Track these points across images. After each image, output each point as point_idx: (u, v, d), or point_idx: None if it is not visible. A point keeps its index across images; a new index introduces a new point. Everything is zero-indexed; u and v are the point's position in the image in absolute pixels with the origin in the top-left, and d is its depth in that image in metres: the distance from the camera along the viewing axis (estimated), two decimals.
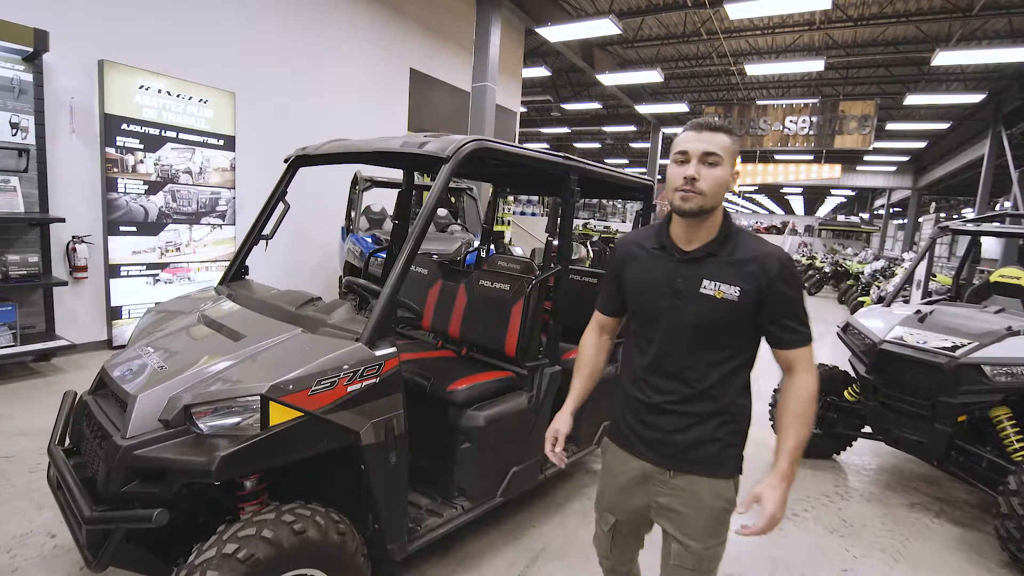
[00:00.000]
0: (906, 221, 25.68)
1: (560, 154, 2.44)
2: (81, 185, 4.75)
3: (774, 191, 35.89)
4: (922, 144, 17.25)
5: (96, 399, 1.86)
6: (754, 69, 9.75)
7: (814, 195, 37.54)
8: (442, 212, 6.90)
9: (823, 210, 44.24)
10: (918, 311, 3.43)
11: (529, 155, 2.25)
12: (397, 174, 8.08)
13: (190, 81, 5.31)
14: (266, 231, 2.63)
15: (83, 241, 4.75)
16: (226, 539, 1.48)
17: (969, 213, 25.97)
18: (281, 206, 2.63)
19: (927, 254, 3.82)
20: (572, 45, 10.32)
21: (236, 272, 2.58)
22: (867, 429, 3.71)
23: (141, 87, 4.93)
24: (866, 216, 38.08)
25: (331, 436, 1.68)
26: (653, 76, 10.59)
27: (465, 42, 8.94)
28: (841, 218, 39.38)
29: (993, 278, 4.18)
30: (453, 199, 6.97)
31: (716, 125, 1.38)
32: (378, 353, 1.76)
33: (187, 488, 1.78)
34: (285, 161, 2.67)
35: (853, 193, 34.76)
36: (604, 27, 8.08)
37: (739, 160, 1.46)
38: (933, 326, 3.21)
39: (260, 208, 2.61)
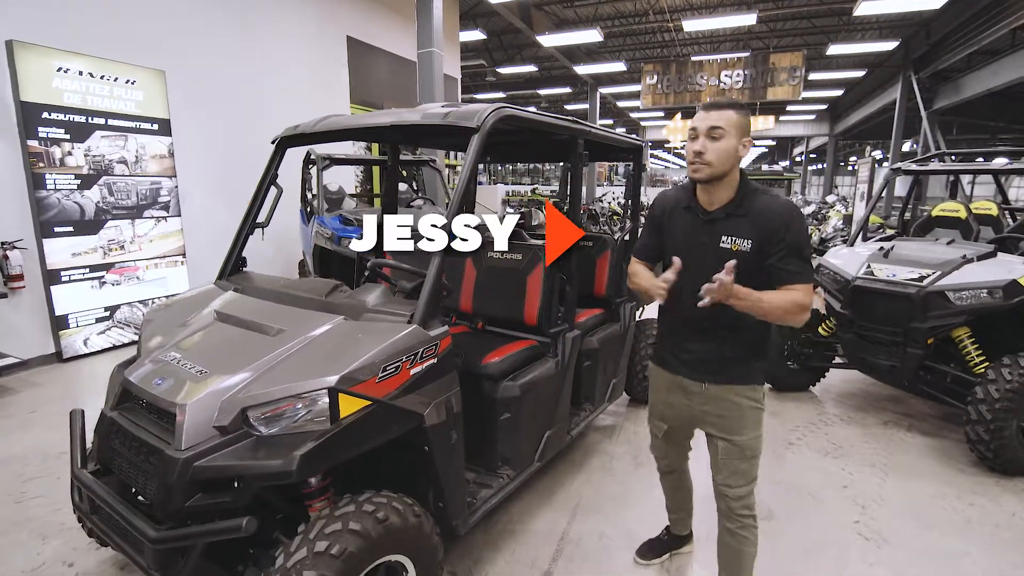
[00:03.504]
0: (824, 166, 27.41)
1: (569, 118, 2.42)
2: (3, 184, 4.24)
3: None
4: (839, 92, 18.33)
5: (123, 414, 1.72)
6: (691, 25, 9.94)
7: None
8: (403, 187, 6.69)
9: (745, 161, 46.33)
10: (881, 247, 3.71)
11: (546, 121, 2.22)
12: (355, 150, 7.68)
13: (114, 60, 4.78)
14: (260, 218, 2.47)
15: (14, 247, 4.27)
16: (314, 537, 1.44)
17: (877, 154, 28.00)
18: (273, 190, 2.48)
19: (882, 194, 4.12)
20: (510, 5, 10.08)
21: (234, 265, 2.42)
22: (838, 360, 4.04)
23: (59, 69, 4.39)
24: (787, 164, 40.30)
25: (399, 422, 1.65)
26: (593, 36, 10.56)
27: (403, 7, 8.52)
28: (765, 167, 41.53)
29: (934, 212, 4.57)
30: (412, 172, 6.75)
31: (722, 104, 1.60)
32: (432, 333, 1.72)
33: None
34: (272, 142, 2.49)
35: (774, 143, 36.59)
36: None
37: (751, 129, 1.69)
38: (897, 260, 3.50)
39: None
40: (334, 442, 1.49)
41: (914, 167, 3.97)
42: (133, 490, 1.75)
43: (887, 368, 3.43)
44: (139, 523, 1.48)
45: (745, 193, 1.64)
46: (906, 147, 17.38)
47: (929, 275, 3.25)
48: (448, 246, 1.78)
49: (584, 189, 21.26)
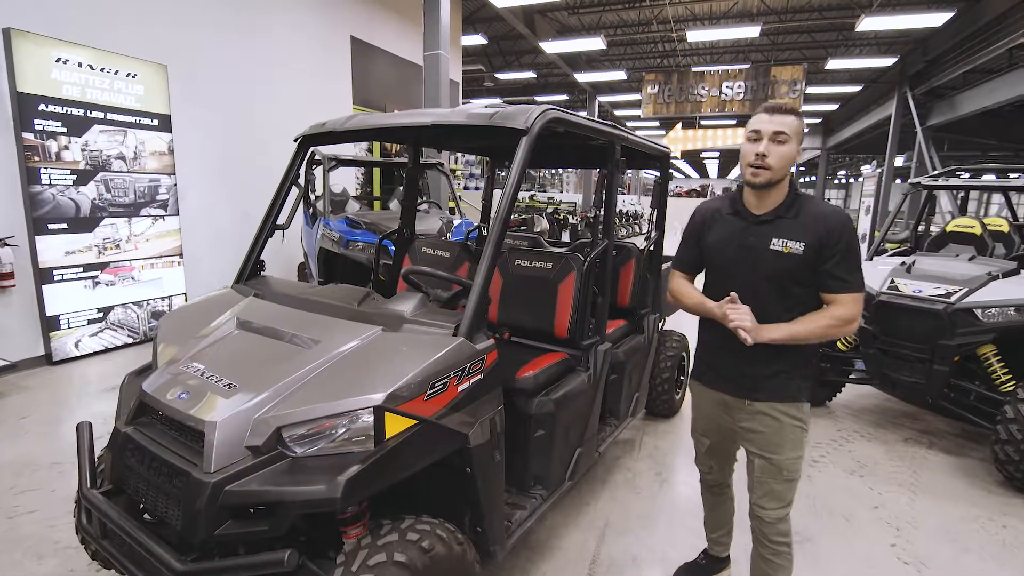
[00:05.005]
0: (812, 179, 27.69)
1: (609, 123, 2.33)
2: None
3: (693, 156, 37.38)
4: (834, 106, 18.51)
5: (141, 430, 1.58)
6: (695, 36, 9.95)
7: (728, 158, 39.43)
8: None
9: (735, 172, 46.79)
10: (903, 262, 3.67)
11: (589, 125, 2.12)
12: (356, 151, 7.51)
13: (115, 52, 4.62)
14: (281, 220, 2.34)
15: (5, 244, 4.08)
16: (357, 570, 1.31)
17: (867, 169, 28.38)
18: (295, 191, 2.35)
19: (900, 209, 4.09)
20: (515, 11, 10.03)
21: (253, 269, 2.28)
22: (854, 375, 3.98)
23: (58, 60, 4.23)
24: (738, 179, 40.71)
25: (444, 442, 1.53)
26: (596, 43, 10.53)
27: (408, 9, 8.44)
28: None
29: (949, 228, 4.56)
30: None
31: (786, 108, 1.58)
32: (479, 347, 1.61)
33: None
34: (295, 140, 2.37)
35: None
36: None
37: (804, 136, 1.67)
38: (921, 275, 3.45)
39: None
40: (379, 465, 1.37)
41: (932, 182, 3.94)
42: (141, 506, 1.62)
43: (911, 385, 3.37)
44: (162, 553, 1.34)
45: (796, 196, 1.63)
46: (898, 162, 17.60)
47: (956, 291, 3.20)
48: (496, 250, 1.67)
49: (581, 197, 21.28)
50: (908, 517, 2.71)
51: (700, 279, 1.90)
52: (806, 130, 1.63)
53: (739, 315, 1.57)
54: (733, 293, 1.61)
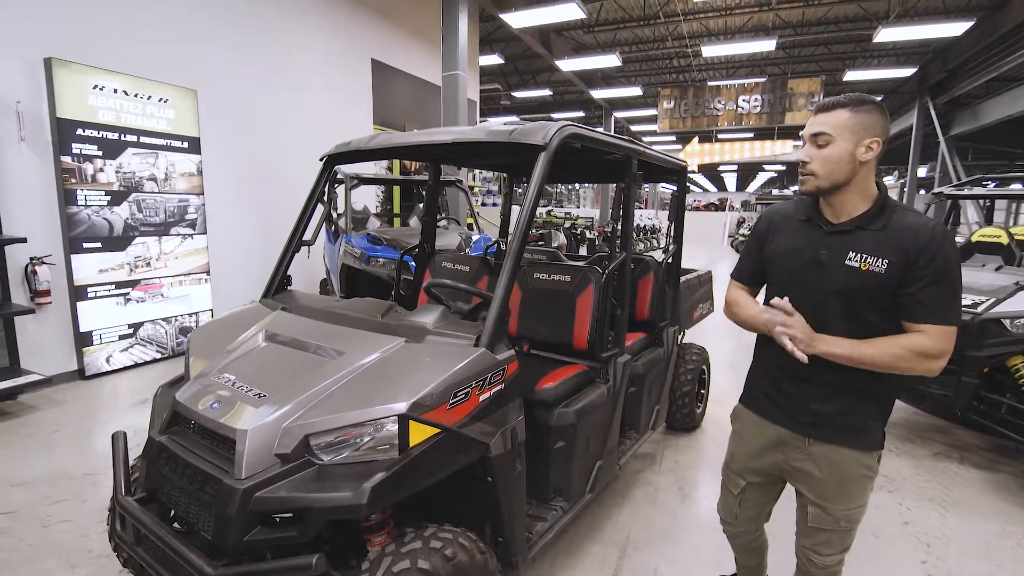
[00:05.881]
0: None
1: (626, 138, 2.37)
2: (36, 199, 4.24)
3: (711, 169, 37.24)
4: None
5: (174, 438, 1.64)
6: (710, 51, 10.02)
7: (746, 171, 39.16)
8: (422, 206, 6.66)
9: (753, 185, 46.36)
10: None
11: (606, 140, 2.17)
12: (376, 170, 7.68)
13: (148, 79, 4.83)
14: (307, 236, 2.42)
15: (43, 262, 4.25)
16: None
17: (890, 180, 27.96)
18: (320, 208, 2.43)
19: None
20: (531, 31, 10.21)
21: (280, 283, 2.36)
22: None
23: (95, 87, 4.43)
24: (796, 188, 40.21)
25: (466, 451, 1.56)
26: (612, 61, 10.66)
27: (427, 31, 8.66)
28: (775, 192, 41.57)
29: (975, 238, 4.48)
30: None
31: (831, 104, 1.37)
32: (500, 357, 1.64)
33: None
34: (320, 159, 2.46)
35: (784, 167, 36.66)
36: (569, 11, 8.03)
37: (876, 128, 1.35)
38: None
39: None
40: (404, 473, 1.40)
41: (956, 192, 3.89)
42: (172, 513, 1.67)
43: (939, 398, 3.30)
44: (195, 559, 1.38)
45: (884, 207, 1.36)
46: (921, 172, 17.32)
47: (983, 302, 3.15)
48: (516, 263, 1.71)
49: (598, 212, 21.32)
50: (939, 533, 2.64)
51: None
52: (866, 118, 1.33)
53: (788, 322, 1.34)
54: (784, 300, 1.37)
